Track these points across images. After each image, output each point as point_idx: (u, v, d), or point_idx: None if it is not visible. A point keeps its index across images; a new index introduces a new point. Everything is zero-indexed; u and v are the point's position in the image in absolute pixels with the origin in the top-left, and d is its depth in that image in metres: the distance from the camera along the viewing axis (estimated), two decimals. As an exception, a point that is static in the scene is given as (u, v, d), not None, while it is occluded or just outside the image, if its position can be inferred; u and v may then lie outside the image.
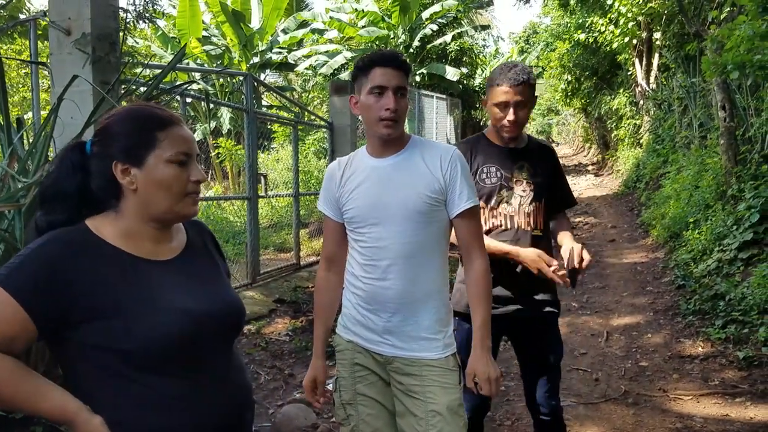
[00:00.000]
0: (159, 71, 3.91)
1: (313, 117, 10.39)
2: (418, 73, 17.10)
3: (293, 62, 17.15)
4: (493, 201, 2.46)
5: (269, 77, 18.96)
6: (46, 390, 1.24)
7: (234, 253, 7.16)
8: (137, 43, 15.40)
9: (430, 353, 1.98)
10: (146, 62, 5.87)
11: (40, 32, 4.51)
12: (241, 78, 7.08)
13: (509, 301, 2.44)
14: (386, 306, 1.98)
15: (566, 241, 2.50)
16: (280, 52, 16.94)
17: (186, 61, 15.55)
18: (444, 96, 16.40)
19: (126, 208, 1.36)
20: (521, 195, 2.45)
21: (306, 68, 16.85)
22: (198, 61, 15.56)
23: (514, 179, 2.46)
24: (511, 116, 2.37)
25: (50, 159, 3.22)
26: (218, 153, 13.34)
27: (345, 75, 16.08)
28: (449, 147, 2.06)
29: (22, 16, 6.66)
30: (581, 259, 2.36)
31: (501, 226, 2.46)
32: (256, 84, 8.33)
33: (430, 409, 1.95)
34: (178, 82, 7.75)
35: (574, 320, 5.84)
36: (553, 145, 37.80)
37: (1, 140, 3.26)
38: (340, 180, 2.08)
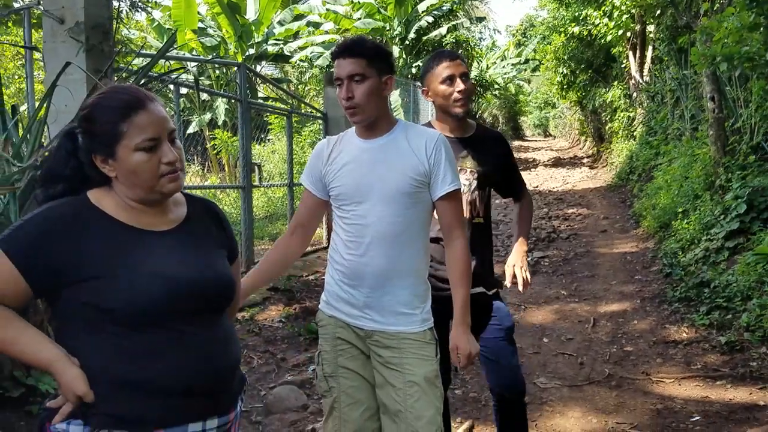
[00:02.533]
0: (150, 59, 3.97)
1: (307, 108, 10.44)
2: (414, 65, 17.14)
3: (289, 54, 17.18)
4: None
5: (265, 69, 18.98)
6: (31, 338, 1.36)
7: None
8: (133, 34, 15.41)
9: (407, 327, 2.07)
10: (138, 51, 5.92)
11: (34, 21, 4.56)
12: (236, 68, 7.13)
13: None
14: (366, 282, 2.06)
15: (513, 252, 2.69)
16: (276, 44, 16.96)
17: (182, 52, 15.59)
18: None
19: (117, 188, 1.46)
20: (464, 183, 2.50)
21: (301, 60, 16.88)
22: (194, 52, 15.57)
23: (458, 168, 2.49)
24: (460, 86, 2.44)
25: (44, 144, 3.29)
26: (214, 144, 13.39)
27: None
28: (434, 132, 2.14)
29: (16, 5, 6.72)
30: (514, 278, 2.59)
31: None
32: (250, 75, 8.38)
33: (407, 379, 2.04)
34: (174, 69, 7.81)
35: (562, 307, 5.93)
36: (549, 138, 37.94)
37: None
38: (327, 158, 2.16)
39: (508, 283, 2.68)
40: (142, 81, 3.71)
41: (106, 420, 1.35)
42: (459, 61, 2.48)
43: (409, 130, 2.11)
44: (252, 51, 16.11)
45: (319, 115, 8.97)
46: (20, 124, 3.61)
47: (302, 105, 10.33)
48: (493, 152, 2.59)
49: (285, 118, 8.12)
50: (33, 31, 4.60)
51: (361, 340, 2.13)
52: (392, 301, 2.07)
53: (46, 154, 2.83)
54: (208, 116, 14.14)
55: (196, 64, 13.28)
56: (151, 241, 1.45)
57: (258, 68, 16.87)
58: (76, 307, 1.38)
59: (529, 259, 8.00)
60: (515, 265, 2.66)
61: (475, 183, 2.53)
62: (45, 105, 3.21)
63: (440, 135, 2.11)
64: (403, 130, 2.11)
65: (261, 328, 5.16)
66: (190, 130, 14.35)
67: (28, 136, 3.20)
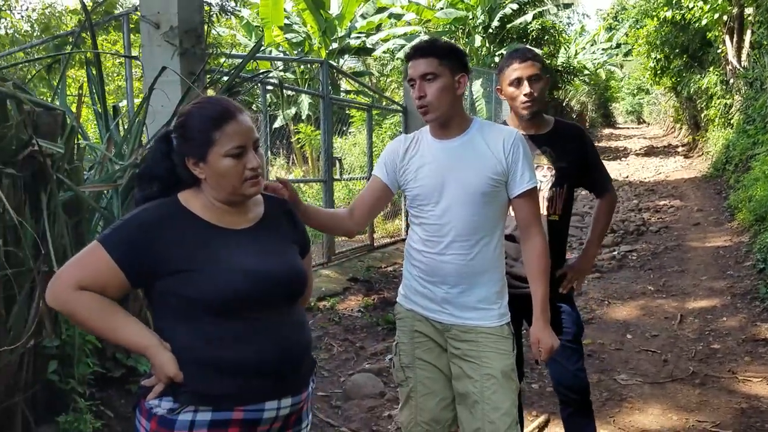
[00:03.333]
0: (240, 60, 4.18)
1: (387, 101, 10.55)
2: (497, 53, 16.92)
3: (371, 47, 17.34)
4: None
5: (348, 62, 19.23)
6: (127, 323, 1.53)
7: (312, 234, 7.46)
8: (223, 32, 16.01)
9: (485, 322, 2.13)
10: (229, 53, 6.21)
11: (132, 26, 4.87)
12: (319, 65, 7.33)
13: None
14: (446, 279, 2.13)
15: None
16: (358, 37, 17.15)
17: (269, 49, 16.06)
18: (523, 77, 16.16)
19: (204, 189, 1.61)
20: (541, 180, 2.50)
21: (383, 52, 17.00)
22: (280, 49, 16.01)
23: (535, 164, 2.47)
24: (526, 89, 2.44)
25: (143, 144, 3.55)
26: (298, 138, 13.76)
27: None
28: (511, 130, 2.15)
29: (117, 11, 7.17)
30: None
31: None
32: (333, 71, 8.58)
33: (485, 372, 2.10)
34: (261, 71, 8.11)
35: (648, 303, 5.78)
36: (643, 125, 36.48)
37: (100, 127, 3.62)
38: (404, 154, 2.21)
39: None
40: (234, 81, 3.92)
41: (193, 397, 1.50)
42: (530, 62, 2.45)
43: (485, 129, 2.15)
44: (335, 45, 16.39)
45: (398, 108, 9.05)
46: (121, 124, 3.89)
47: (382, 99, 10.42)
48: (570, 147, 2.55)
49: (365, 111, 8.24)
50: (132, 35, 4.93)
51: (439, 333, 2.20)
52: (470, 297, 2.13)
53: (145, 153, 3.07)
54: (292, 111, 14.51)
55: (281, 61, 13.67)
56: (232, 239, 1.60)
57: (341, 62, 17.12)
58: (167, 297, 1.54)
59: (615, 253, 7.84)
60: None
61: (552, 180, 2.52)
62: (144, 106, 3.45)
63: (517, 133, 2.13)
64: (480, 129, 2.14)
65: (341, 318, 5.33)
66: (276, 124, 14.79)
67: (128, 136, 3.46)
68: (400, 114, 9.23)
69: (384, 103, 10.36)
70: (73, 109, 3.37)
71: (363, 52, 17.75)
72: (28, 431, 2.72)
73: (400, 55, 16.47)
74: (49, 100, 3.31)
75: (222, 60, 4.11)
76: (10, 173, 2.53)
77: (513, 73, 2.46)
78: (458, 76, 2.09)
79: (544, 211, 2.49)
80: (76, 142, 2.99)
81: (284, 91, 13.48)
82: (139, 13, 4.33)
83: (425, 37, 16.53)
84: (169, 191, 1.63)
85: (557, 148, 2.54)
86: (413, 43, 2.18)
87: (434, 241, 2.13)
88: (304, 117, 14.50)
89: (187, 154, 1.57)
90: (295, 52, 15.97)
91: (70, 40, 3.83)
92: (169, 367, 1.50)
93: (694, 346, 4.58)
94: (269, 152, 14.56)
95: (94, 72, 3.45)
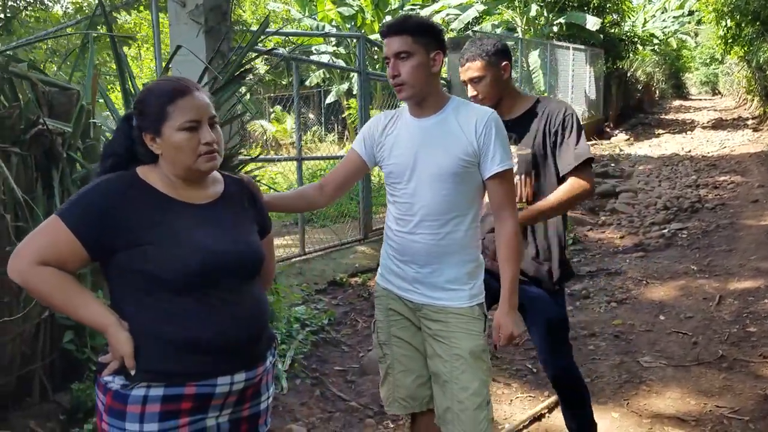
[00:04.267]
0: (292, 36, 4.21)
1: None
2: (555, 23, 16.41)
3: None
4: None
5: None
6: (88, 302, 1.56)
7: (349, 210, 7.52)
8: (278, 8, 16.14)
9: (455, 302, 2.11)
10: (280, 28, 6.25)
11: (162, 4, 4.97)
12: (355, 40, 7.30)
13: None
14: (416, 258, 2.13)
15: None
16: (412, 9, 16.96)
17: (322, 24, 16.11)
18: (582, 47, 15.65)
19: (162, 165, 1.64)
20: None
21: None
22: (333, 23, 16.02)
23: None
24: (469, 92, 2.50)
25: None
26: (350, 113, 13.81)
27: (477, 29, 15.84)
28: (486, 110, 2.10)
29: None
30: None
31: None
32: (370, 46, 8.52)
33: (454, 352, 2.10)
34: (312, 47, 8.17)
35: (688, 283, 5.57)
36: (717, 97, 34.73)
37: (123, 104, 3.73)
38: (382, 130, 2.20)
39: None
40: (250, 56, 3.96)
41: (146, 375, 1.54)
42: (471, 63, 2.49)
43: (460, 109, 2.11)
44: (389, 18, 16.27)
45: (442, 82, 8.94)
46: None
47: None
48: (539, 130, 2.49)
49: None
50: (161, 14, 5.04)
51: (412, 312, 2.20)
52: (440, 278, 2.12)
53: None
54: (345, 86, 14.56)
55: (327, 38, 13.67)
56: (190, 213, 1.62)
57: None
58: (124, 272, 1.57)
59: (666, 231, 7.56)
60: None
61: (515, 167, 2.44)
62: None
63: (492, 113, 2.08)
64: (455, 109, 2.11)
65: (370, 294, 5.37)
66: (329, 99, 14.89)
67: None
68: (445, 88, 9.12)
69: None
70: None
71: (417, 24, 17.52)
72: (45, 398, 2.88)
73: (455, 25, 16.20)
74: (70, 80, 3.42)
75: (248, 37, 4.13)
76: (20, 152, 2.66)
77: (461, 74, 2.57)
78: (433, 53, 2.05)
79: None
80: (90, 120, 3.10)
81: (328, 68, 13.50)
82: (166, -8, 4.43)
83: (480, 7, 16.18)
84: (124, 167, 1.65)
85: (525, 132, 2.49)
86: (388, 20, 2.15)
87: (405, 220, 2.13)
88: (355, 92, 14.53)
89: (144, 129, 1.60)
90: (348, 26, 15.95)
91: (85, 23, 3.94)
92: (124, 348, 1.53)
93: (728, 329, 4.40)
94: (323, 128, 14.72)
95: (106, 54, 3.53)
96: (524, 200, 2.52)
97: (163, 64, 5.13)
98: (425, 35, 2.04)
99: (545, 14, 16.77)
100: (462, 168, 2.05)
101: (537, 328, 2.64)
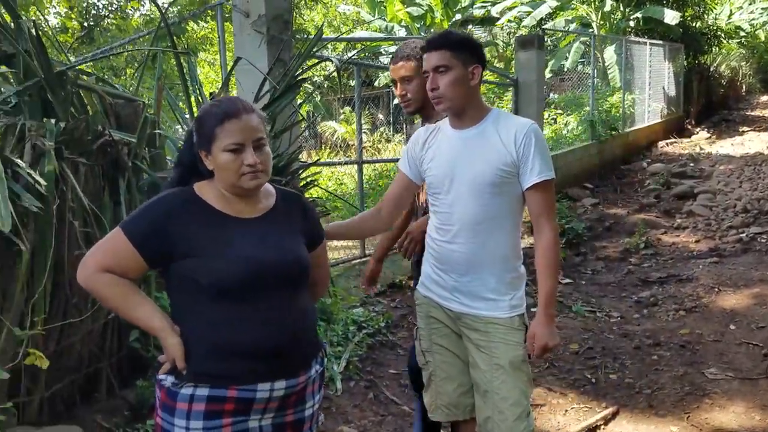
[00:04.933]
0: (353, 41, 4.30)
1: (497, 75, 10.27)
2: (632, 17, 15.87)
3: (497, 15, 16.91)
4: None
5: (473, 33, 18.94)
6: (143, 306, 1.70)
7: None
8: (347, 10, 16.34)
9: (494, 312, 2.13)
10: (347, 31, 6.35)
11: (228, 14, 5.14)
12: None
13: None
14: (455, 267, 2.16)
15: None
16: (483, 6, 16.80)
17: (391, 25, 16.19)
18: (660, 42, 15.06)
19: (216, 180, 1.75)
20: None
21: (508, 21, 16.52)
22: (402, 24, 16.07)
23: None
24: (399, 90, 2.53)
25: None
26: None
27: (549, 25, 15.54)
28: (526, 121, 2.13)
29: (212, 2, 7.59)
30: None
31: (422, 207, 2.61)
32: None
33: (494, 362, 2.12)
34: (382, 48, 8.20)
35: (763, 292, 5.31)
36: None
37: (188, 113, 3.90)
38: (423, 144, 2.26)
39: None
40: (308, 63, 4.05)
41: (193, 375, 1.65)
42: (400, 63, 2.49)
43: (500, 120, 2.14)
44: (459, 16, 16.17)
45: (508, 81, 8.83)
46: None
47: (491, 73, 10.17)
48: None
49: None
50: (227, 24, 5.21)
51: (452, 320, 2.23)
52: (479, 287, 2.14)
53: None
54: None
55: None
56: (238, 227, 1.72)
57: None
58: (178, 280, 1.69)
59: (743, 235, 7.21)
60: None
61: None
62: (221, 96, 3.67)
63: (532, 125, 2.10)
64: (495, 120, 2.14)
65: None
66: (397, 101, 14.95)
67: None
68: (512, 88, 8.99)
69: (492, 77, 10.11)
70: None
71: (488, 21, 17.36)
72: (111, 394, 3.06)
73: (527, 22, 15.93)
74: (136, 92, 3.61)
75: (308, 44, 4.22)
76: (88, 162, 2.82)
77: (391, 73, 2.56)
78: (472, 67, 2.09)
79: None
80: (155, 131, 3.26)
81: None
82: (231, 3, 4.58)
83: (553, 3, 15.84)
84: (189, 179, 1.78)
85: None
86: (431, 35, 2.19)
87: (444, 229, 2.16)
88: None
89: (199, 146, 1.72)
90: (417, 26, 15.96)
91: (151, 36, 4.12)
92: (173, 350, 1.65)
93: (804, 342, 4.17)
94: (391, 128, 14.78)
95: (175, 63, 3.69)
96: None
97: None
98: (464, 50, 2.09)
99: (621, 9, 16.24)
100: (500, 178, 2.06)
101: None
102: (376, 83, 16.40)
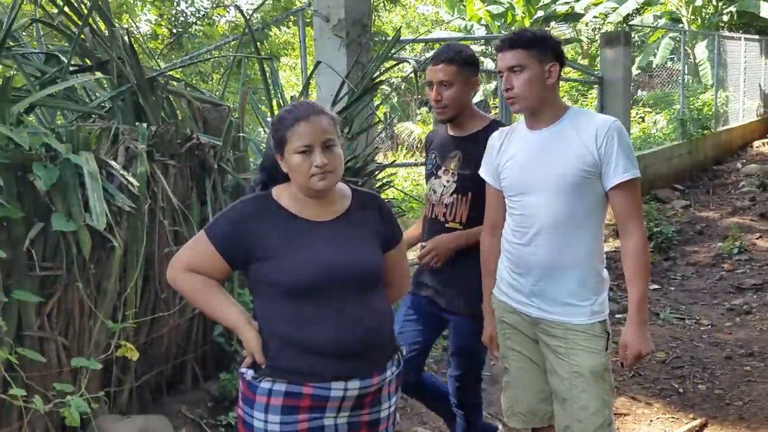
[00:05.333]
0: (429, 42, 4.32)
1: (581, 73, 9.99)
2: (725, 11, 15.09)
3: (581, 12, 16.47)
4: (427, 188, 2.53)
5: (556, 30, 18.52)
6: (223, 304, 1.78)
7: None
8: (427, 11, 16.34)
9: (574, 318, 2.07)
10: (385, 39, 6.37)
11: (308, 20, 5.25)
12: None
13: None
14: (532, 271, 2.11)
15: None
16: (567, 3, 16.40)
17: (471, 23, 16.07)
18: (756, 36, 14.25)
19: (291, 183, 1.79)
20: (444, 185, 2.42)
21: (594, 17, 16.04)
22: (482, 22, 15.92)
23: (443, 168, 2.42)
24: (432, 94, 2.36)
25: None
26: (496, 114, 13.67)
27: (637, 21, 15.00)
28: (607, 118, 2.06)
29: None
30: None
31: (427, 214, 2.53)
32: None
33: (573, 370, 2.06)
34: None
35: None
36: None
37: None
38: (498, 149, 2.22)
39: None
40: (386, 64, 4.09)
41: (271, 371, 1.71)
42: (443, 65, 2.34)
43: (579, 118, 2.07)
44: (541, 13, 15.86)
45: (593, 79, 8.59)
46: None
47: (575, 70, 9.91)
48: (479, 154, 2.37)
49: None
50: (309, 29, 5.32)
51: (529, 325, 2.18)
52: (559, 291, 2.08)
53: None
54: (492, 86, 14.39)
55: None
56: (312, 230, 1.77)
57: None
58: (257, 281, 1.77)
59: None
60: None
61: (453, 186, 2.43)
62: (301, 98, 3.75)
63: (614, 122, 2.03)
64: (573, 119, 2.08)
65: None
66: (476, 99, 14.82)
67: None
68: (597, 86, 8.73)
69: (574, 75, 9.85)
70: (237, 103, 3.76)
71: (571, 18, 16.93)
72: (196, 386, 3.19)
73: (612, 19, 15.44)
74: (222, 96, 3.74)
75: (385, 47, 4.26)
76: (176, 164, 2.95)
77: (427, 74, 2.43)
78: (549, 65, 2.04)
79: (443, 218, 2.44)
80: (240, 134, 3.37)
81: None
82: (312, 9, 4.68)
83: (640, -1, 15.25)
84: (270, 182, 1.85)
85: (470, 152, 2.39)
86: (504, 34, 2.16)
87: (521, 232, 2.11)
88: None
89: (276, 150, 1.78)
90: (497, 24, 15.76)
91: (235, 42, 4.26)
92: (251, 345, 1.72)
93: None
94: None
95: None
96: (458, 220, 2.44)
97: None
98: (539, 48, 2.04)
99: (713, 2, 15.47)
100: (581, 179, 2.00)
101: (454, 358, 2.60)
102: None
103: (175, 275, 1.79)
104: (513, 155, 2.15)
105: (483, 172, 2.30)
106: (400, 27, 5.45)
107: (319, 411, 1.71)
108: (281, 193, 1.81)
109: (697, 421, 3.27)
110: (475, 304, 2.40)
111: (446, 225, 2.45)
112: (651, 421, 3.37)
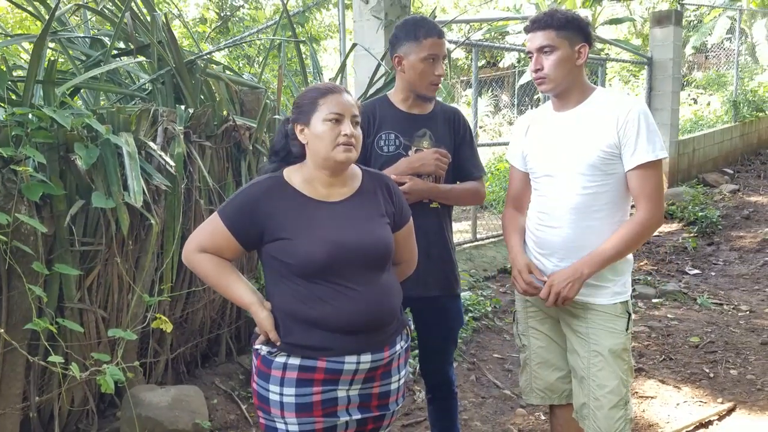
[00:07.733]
0: (472, 22, 4.33)
1: (631, 53, 9.75)
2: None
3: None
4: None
5: (609, 9, 18.04)
6: (236, 283, 1.84)
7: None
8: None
9: (595, 299, 2.09)
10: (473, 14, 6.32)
11: (348, 2, 5.29)
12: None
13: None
14: (554, 251, 2.13)
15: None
16: (617, -20, 15.95)
17: (521, 2, 15.79)
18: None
19: (308, 160, 1.85)
20: None
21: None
22: (531, 1, 15.63)
23: (414, 148, 2.31)
24: (440, 70, 2.25)
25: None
26: (538, 98, 13.46)
27: (689, 0, 14.49)
28: (632, 101, 2.05)
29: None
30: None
31: None
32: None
33: (593, 349, 2.09)
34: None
35: None
36: None
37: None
38: (525, 131, 2.25)
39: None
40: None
41: (285, 347, 1.79)
42: (444, 40, 2.29)
43: (604, 100, 2.08)
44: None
45: (642, 60, 8.39)
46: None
47: (623, 49, 9.67)
48: (450, 130, 2.37)
49: (599, 66, 7.79)
50: (348, 10, 5.36)
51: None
52: None
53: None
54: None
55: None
56: (325, 210, 1.82)
57: (597, 9, 16.13)
58: (270, 260, 1.83)
59: None
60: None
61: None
62: (338, 81, 3.82)
63: (638, 104, 2.03)
64: (598, 100, 2.09)
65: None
66: (522, 81, 14.61)
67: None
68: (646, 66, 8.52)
69: (620, 55, 9.62)
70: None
71: (624, -4, 16.46)
72: (230, 359, 3.33)
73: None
74: (259, 79, 3.83)
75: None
76: (213, 145, 3.06)
77: (431, 48, 2.23)
78: (578, 46, 2.05)
79: (424, 199, 2.34)
80: (274, 116, 3.46)
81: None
82: (351, -10, 4.72)
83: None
84: (281, 163, 1.90)
85: (437, 130, 2.36)
86: (535, 15, 2.15)
87: (545, 213, 2.14)
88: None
89: (297, 120, 1.83)
90: (547, 3, 15.45)
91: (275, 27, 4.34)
92: (263, 324, 1.80)
93: None
94: (515, 109, 14.49)
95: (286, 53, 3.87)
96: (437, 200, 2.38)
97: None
98: (569, 29, 2.04)
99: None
100: (603, 160, 2.01)
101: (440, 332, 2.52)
102: (500, 64, 16.10)
103: (189, 255, 1.85)
104: (538, 137, 2.18)
105: (509, 155, 2.33)
106: (435, 7, 5.42)
107: (332, 384, 1.78)
108: (292, 175, 1.85)
109: (726, 405, 3.24)
110: (458, 282, 2.48)
111: (430, 206, 2.37)
112: (678, 404, 3.35)
